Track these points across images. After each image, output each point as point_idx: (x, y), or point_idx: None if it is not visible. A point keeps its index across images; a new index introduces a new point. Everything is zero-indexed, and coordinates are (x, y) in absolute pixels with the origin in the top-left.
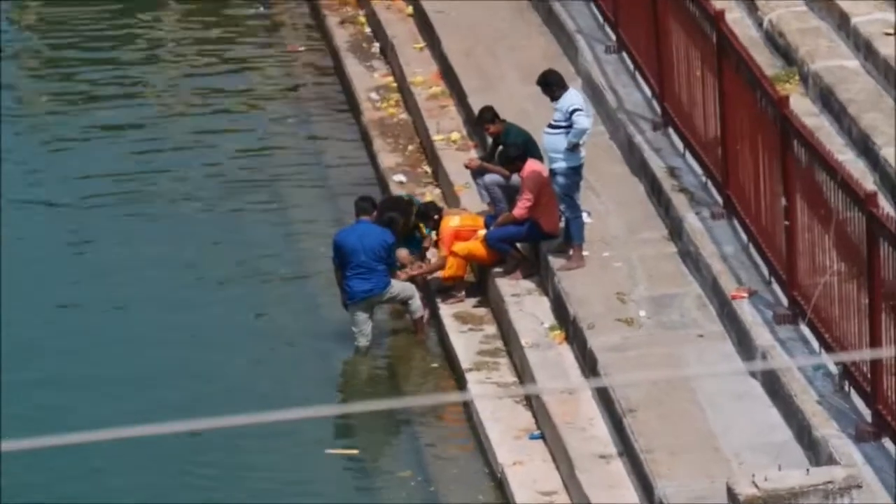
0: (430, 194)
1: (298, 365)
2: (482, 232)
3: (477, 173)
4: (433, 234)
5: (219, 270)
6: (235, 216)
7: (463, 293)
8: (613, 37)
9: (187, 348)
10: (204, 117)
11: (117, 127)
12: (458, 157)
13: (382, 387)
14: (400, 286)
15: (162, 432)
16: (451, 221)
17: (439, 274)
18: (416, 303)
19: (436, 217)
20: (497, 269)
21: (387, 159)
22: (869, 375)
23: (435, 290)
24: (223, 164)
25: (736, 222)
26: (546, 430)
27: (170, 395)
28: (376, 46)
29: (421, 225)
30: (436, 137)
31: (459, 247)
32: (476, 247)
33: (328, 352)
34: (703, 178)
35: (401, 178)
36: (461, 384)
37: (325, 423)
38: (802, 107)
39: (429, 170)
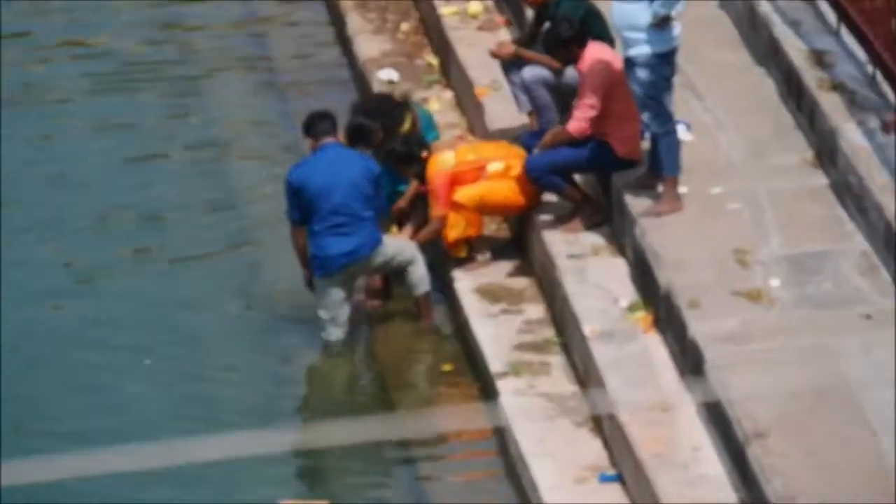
0: (436, 100)
1: (238, 371)
2: (495, 166)
3: (511, 66)
4: (408, 194)
5: (114, 219)
6: (136, 129)
7: (489, 254)
8: None
9: (59, 350)
10: None
11: None
12: (480, 42)
13: (367, 403)
14: (396, 244)
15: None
16: (443, 161)
17: (443, 235)
18: (420, 270)
19: (423, 156)
20: (544, 217)
21: (368, 46)
22: None
23: (445, 252)
24: (122, 50)
25: None
26: (626, 469)
27: (48, 413)
28: None
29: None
30: (445, 10)
31: (464, 194)
32: (492, 189)
33: (283, 351)
34: (870, 68)
35: (390, 74)
36: (490, 396)
37: (282, 460)
38: None
39: (434, 62)
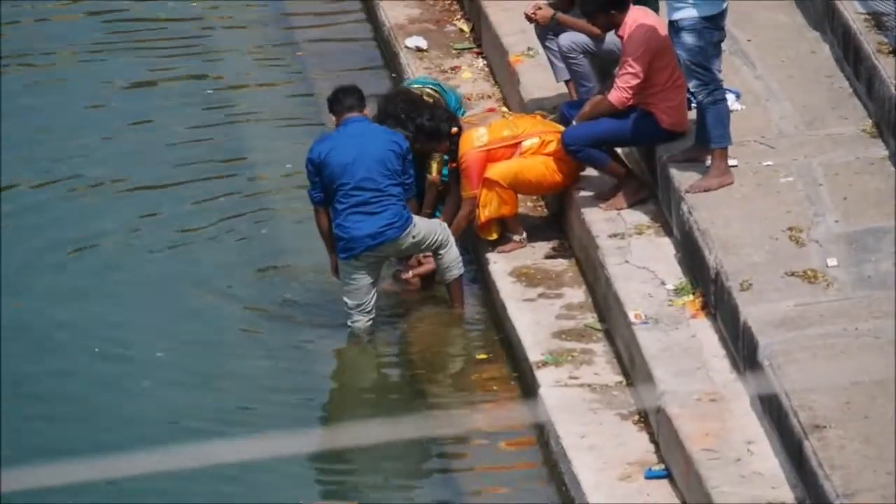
0: (468, 69)
1: (255, 364)
2: (530, 142)
3: (548, 32)
4: (435, 164)
5: (117, 187)
6: (145, 90)
7: (524, 234)
8: None
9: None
10: None
11: None
12: (515, 6)
13: (396, 396)
14: (427, 225)
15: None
16: (475, 139)
17: (476, 216)
18: (453, 253)
19: (453, 132)
20: (584, 193)
21: (394, 12)
22: None
23: (476, 233)
24: (134, 7)
25: None
26: (674, 465)
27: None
28: None
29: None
30: None
31: (497, 171)
32: (526, 166)
33: (304, 341)
34: None
35: (419, 42)
36: (528, 387)
37: (306, 459)
38: None
39: (466, 28)
